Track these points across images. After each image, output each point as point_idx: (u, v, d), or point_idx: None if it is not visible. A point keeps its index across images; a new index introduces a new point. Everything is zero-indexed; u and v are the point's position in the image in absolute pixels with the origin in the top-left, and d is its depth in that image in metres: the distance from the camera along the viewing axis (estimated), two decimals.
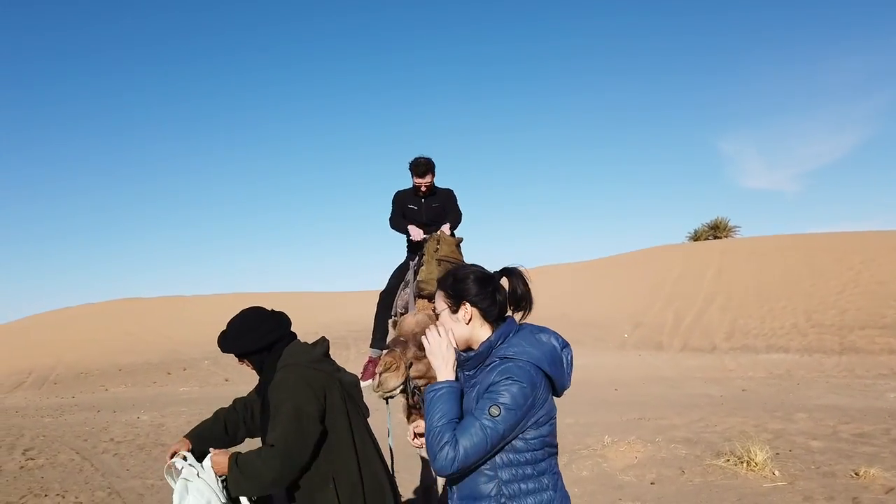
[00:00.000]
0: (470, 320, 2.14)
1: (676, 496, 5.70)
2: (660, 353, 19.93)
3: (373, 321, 5.27)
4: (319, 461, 2.56)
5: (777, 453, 6.76)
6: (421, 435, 2.38)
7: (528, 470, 2.01)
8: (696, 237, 41.89)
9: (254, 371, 2.77)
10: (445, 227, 5.03)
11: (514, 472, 2.00)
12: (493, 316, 2.16)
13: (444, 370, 2.07)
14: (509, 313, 2.21)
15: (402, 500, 3.30)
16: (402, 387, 3.54)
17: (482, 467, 2.00)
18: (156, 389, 18.75)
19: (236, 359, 2.78)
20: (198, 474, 2.56)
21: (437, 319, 2.20)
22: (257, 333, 2.67)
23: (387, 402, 3.63)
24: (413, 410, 3.98)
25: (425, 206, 5.37)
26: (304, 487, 2.58)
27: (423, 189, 5.29)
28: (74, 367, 23.41)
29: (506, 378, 1.97)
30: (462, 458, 1.91)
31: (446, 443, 1.91)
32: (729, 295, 24.82)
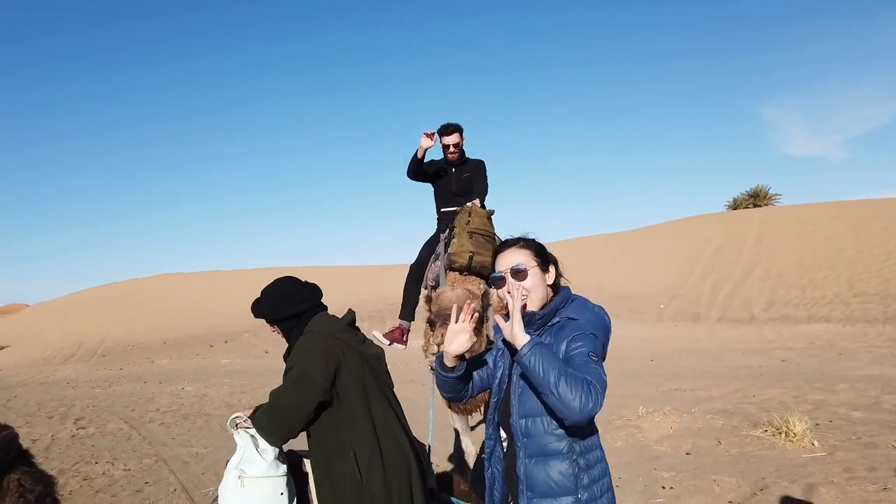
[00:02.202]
0: (552, 282, 2.27)
1: (713, 466, 5.67)
2: (697, 325, 19.68)
3: (402, 293, 5.31)
4: (336, 431, 2.63)
5: (817, 424, 6.65)
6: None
7: (591, 426, 2.11)
8: (736, 206, 40.95)
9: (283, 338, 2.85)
10: (476, 201, 5.00)
11: (584, 428, 2.07)
12: (558, 283, 2.31)
13: (522, 332, 2.04)
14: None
15: (438, 469, 3.35)
16: None
17: (553, 426, 2.04)
18: (199, 361, 19.31)
19: (268, 326, 2.85)
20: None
21: (517, 277, 2.19)
22: (288, 302, 2.74)
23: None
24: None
25: (455, 176, 5.34)
26: (322, 456, 2.66)
27: (451, 150, 5.22)
28: (121, 340, 24.22)
29: (580, 333, 2.06)
30: (601, 389, 1.91)
31: (584, 380, 1.89)
32: (769, 264, 24.28)
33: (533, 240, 2.32)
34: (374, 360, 2.75)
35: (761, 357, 13.53)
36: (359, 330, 2.88)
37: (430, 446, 3.36)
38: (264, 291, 2.81)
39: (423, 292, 4.33)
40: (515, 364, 2.17)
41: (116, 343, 23.93)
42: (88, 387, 13.93)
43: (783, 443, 6.16)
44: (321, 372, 2.55)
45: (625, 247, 31.75)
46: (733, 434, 6.65)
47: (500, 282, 2.24)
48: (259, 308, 2.81)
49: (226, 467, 2.76)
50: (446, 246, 4.80)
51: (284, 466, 2.72)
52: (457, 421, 4.75)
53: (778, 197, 40.88)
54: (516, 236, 2.36)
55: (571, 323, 2.13)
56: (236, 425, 2.75)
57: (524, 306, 2.17)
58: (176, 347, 22.19)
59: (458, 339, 2.16)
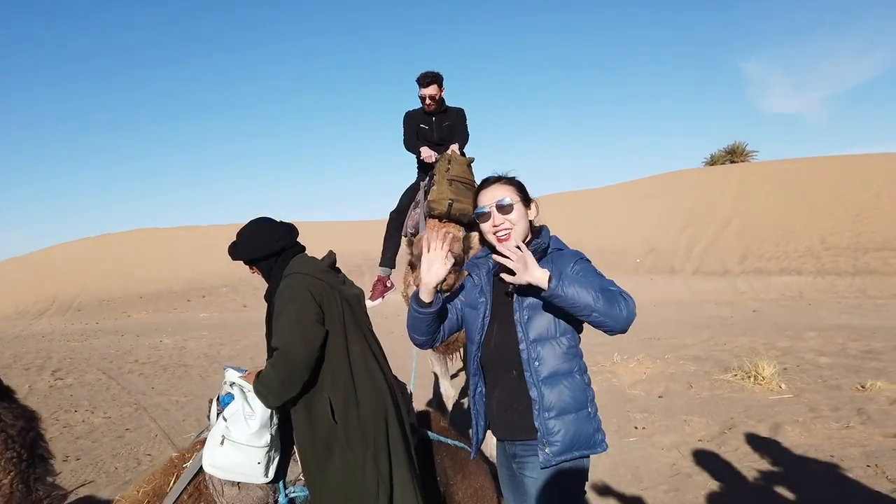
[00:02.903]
0: (534, 218, 2.33)
1: (684, 408, 5.85)
2: (672, 278, 20.00)
3: (382, 241, 5.31)
4: (314, 371, 2.64)
5: (784, 368, 6.87)
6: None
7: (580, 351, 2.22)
8: (713, 162, 41.19)
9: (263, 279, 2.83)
10: (455, 147, 4.97)
11: (579, 350, 2.21)
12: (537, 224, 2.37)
13: (539, 268, 2.05)
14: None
15: (418, 410, 3.40)
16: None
17: (565, 345, 2.15)
18: (177, 316, 19.23)
19: (248, 268, 2.83)
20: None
21: (502, 211, 2.25)
22: (266, 241, 2.73)
23: None
24: None
25: (436, 125, 5.30)
26: (301, 397, 2.67)
27: (428, 102, 5.17)
28: (97, 294, 23.99)
29: (578, 260, 2.18)
30: (633, 299, 2.06)
31: (619, 292, 2.05)
32: (745, 219, 24.62)
33: (514, 177, 2.35)
34: (353, 300, 2.75)
35: (734, 308, 13.85)
36: (339, 271, 2.87)
37: (412, 390, 3.41)
38: (240, 233, 2.79)
39: (404, 240, 4.33)
40: (514, 297, 2.21)
41: (92, 297, 23.69)
42: (64, 340, 13.83)
43: (752, 386, 6.37)
44: (314, 309, 2.55)
45: (604, 202, 31.91)
46: (704, 378, 6.84)
47: (484, 217, 2.25)
48: (237, 250, 2.78)
49: (217, 413, 2.77)
50: (426, 193, 4.79)
51: (268, 436, 2.69)
52: (436, 364, 4.82)
53: (755, 153, 41.18)
54: (498, 174, 2.37)
55: (564, 252, 2.24)
56: (231, 384, 2.76)
57: (507, 239, 2.21)
58: (153, 302, 22.04)
59: (434, 266, 2.22)
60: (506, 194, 2.26)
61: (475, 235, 4.15)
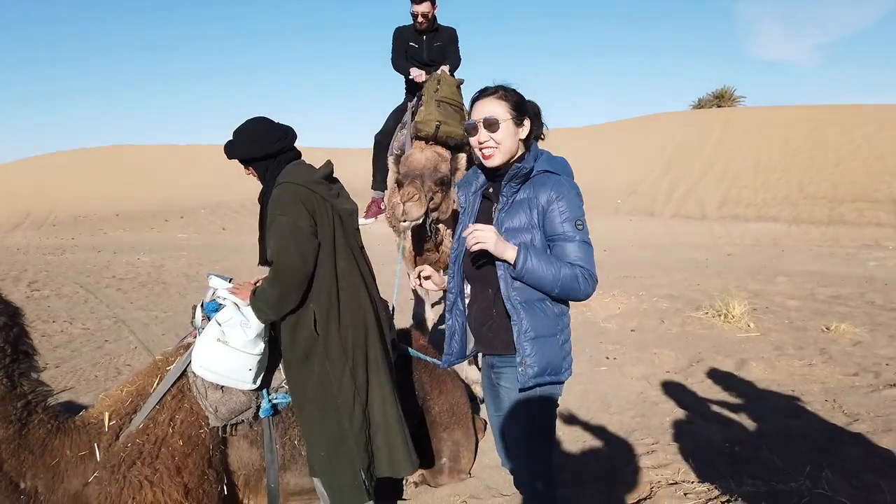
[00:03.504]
0: (525, 137, 2.26)
1: (655, 342, 6.03)
2: (651, 220, 20.20)
3: (371, 165, 5.26)
4: None
5: (754, 309, 7.06)
6: (427, 278, 2.48)
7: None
8: (700, 105, 41.02)
9: (257, 180, 2.80)
10: (445, 68, 4.87)
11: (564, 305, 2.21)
12: (533, 138, 2.31)
13: (509, 248, 2.11)
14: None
15: (399, 329, 3.47)
16: (423, 217, 3.67)
17: (546, 304, 2.16)
18: (154, 235, 19.05)
19: (242, 166, 2.80)
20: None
21: (489, 129, 2.19)
22: (263, 141, 2.68)
23: (402, 238, 3.75)
24: (427, 251, 4.10)
25: (426, 44, 5.17)
26: None
27: (420, 20, 5.04)
28: (72, 210, 23.63)
29: (563, 190, 2.13)
30: (592, 271, 2.11)
31: (576, 276, 2.08)
32: (726, 165, 24.76)
33: (514, 91, 2.26)
34: (346, 215, 2.74)
35: (709, 251, 14.08)
36: (336, 181, 2.84)
37: (393, 306, 3.45)
38: (236, 132, 2.73)
39: (390, 158, 4.30)
40: (497, 221, 2.21)
41: (66, 213, 23.34)
42: (40, 253, 13.68)
43: (721, 324, 6.56)
44: (306, 219, 2.54)
45: (588, 141, 31.76)
46: (676, 315, 7.03)
47: (472, 130, 2.23)
48: (233, 147, 2.73)
49: (202, 318, 2.79)
50: (413, 114, 4.72)
51: (262, 345, 2.73)
52: (419, 288, 4.88)
53: (743, 99, 41.04)
54: (497, 84, 2.29)
55: (551, 177, 2.18)
56: (224, 298, 2.78)
57: (491, 157, 2.21)
58: (130, 220, 21.80)
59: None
60: (495, 110, 2.21)
61: (462, 157, 4.14)
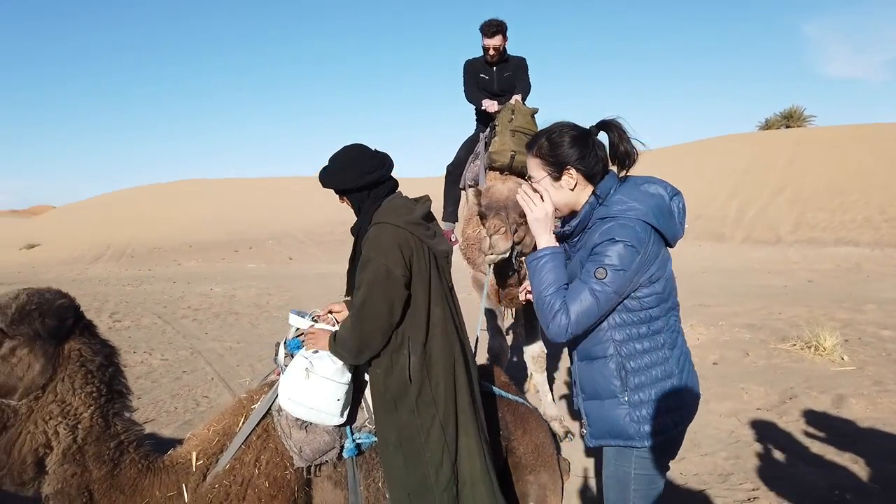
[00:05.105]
0: (575, 185, 2.03)
1: (740, 376, 5.72)
2: (720, 245, 19.53)
3: (442, 196, 5.24)
4: (400, 327, 2.59)
5: (846, 340, 6.63)
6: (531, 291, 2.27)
7: (643, 329, 1.96)
8: (768, 126, 39.73)
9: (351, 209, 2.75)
10: (518, 97, 4.83)
11: (628, 331, 1.96)
12: (598, 176, 2.04)
13: (545, 236, 2.00)
14: (611, 168, 2.08)
15: (479, 364, 3.37)
16: (510, 252, 3.60)
17: (597, 329, 1.98)
18: (224, 265, 19.64)
19: (337, 196, 2.75)
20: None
21: (536, 189, 2.06)
22: (358, 170, 2.60)
23: (487, 272, 3.69)
24: (509, 286, 4.04)
25: (497, 75, 5.15)
26: (385, 349, 2.63)
27: (491, 53, 5.04)
28: (148, 242, 24.65)
29: (609, 239, 1.88)
30: (574, 324, 1.89)
31: (558, 311, 1.90)
32: (799, 187, 23.77)
33: (545, 141, 2.03)
34: (442, 257, 2.66)
35: (786, 277, 13.44)
36: (433, 219, 2.78)
37: (477, 339, 3.38)
38: (332, 159, 2.68)
39: (470, 191, 4.23)
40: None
41: (143, 245, 24.37)
42: (120, 284, 14.26)
43: (812, 356, 6.18)
44: (401, 266, 2.46)
45: (652, 165, 30.87)
46: (761, 347, 6.67)
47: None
48: (327, 177, 2.67)
49: (285, 356, 2.78)
50: (487, 145, 4.68)
51: (349, 375, 2.69)
52: (492, 319, 4.79)
53: (812, 119, 39.54)
54: (535, 134, 2.11)
55: (604, 226, 1.92)
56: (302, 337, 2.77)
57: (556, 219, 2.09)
58: (201, 251, 22.56)
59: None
60: (532, 169, 2.08)
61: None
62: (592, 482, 3.85)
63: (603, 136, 2.06)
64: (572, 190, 2.03)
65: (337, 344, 2.57)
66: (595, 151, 2.02)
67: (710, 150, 31.90)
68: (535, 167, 2.06)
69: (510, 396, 3.37)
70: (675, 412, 1.98)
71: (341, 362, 2.61)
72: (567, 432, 4.46)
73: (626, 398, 1.96)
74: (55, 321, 2.23)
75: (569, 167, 2.01)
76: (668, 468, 2.11)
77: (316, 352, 2.65)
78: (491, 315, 4.72)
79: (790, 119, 39.70)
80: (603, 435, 1.99)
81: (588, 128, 2.04)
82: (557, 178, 2.03)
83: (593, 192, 2.03)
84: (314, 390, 2.63)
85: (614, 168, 2.08)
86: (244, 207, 31.22)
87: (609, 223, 1.92)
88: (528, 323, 4.69)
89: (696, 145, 34.66)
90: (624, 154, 2.02)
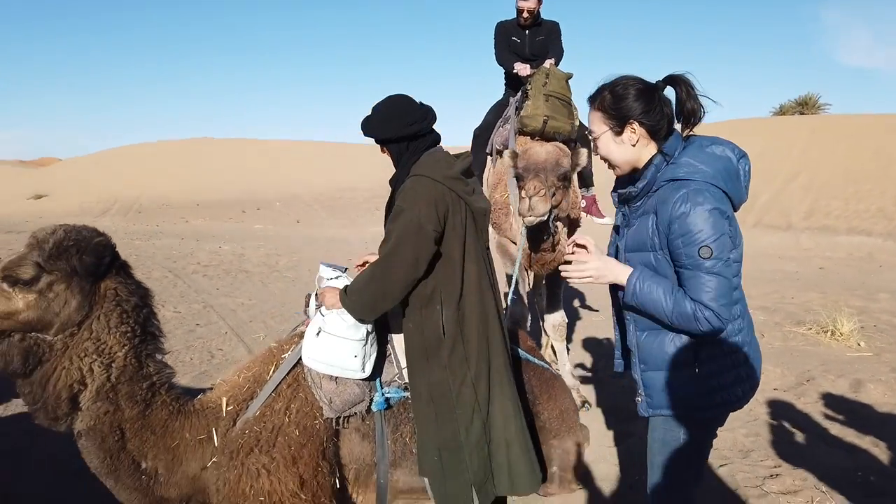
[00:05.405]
0: (637, 141, 1.94)
1: None
2: None
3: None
4: (431, 281, 2.54)
5: (861, 327, 6.59)
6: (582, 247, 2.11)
7: None
8: (782, 112, 39.23)
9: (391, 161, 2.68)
10: (552, 61, 4.71)
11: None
12: (663, 133, 1.94)
13: (619, 269, 1.90)
14: (675, 127, 1.98)
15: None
16: (548, 214, 3.54)
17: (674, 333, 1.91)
18: (232, 225, 19.60)
19: (378, 146, 2.68)
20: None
21: (594, 143, 2.00)
22: (400, 121, 2.54)
23: (521, 237, 3.65)
24: (543, 251, 3.98)
25: (529, 39, 5.03)
26: (414, 304, 2.58)
27: (525, 15, 4.91)
28: (156, 199, 24.61)
29: (687, 211, 1.77)
30: (719, 309, 1.76)
31: (693, 311, 1.77)
32: (813, 174, 23.51)
33: (611, 90, 1.93)
34: (479, 214, 2.61)
35: (798, 263, 13.37)
36: (472, 176, 2.71)
37: (507, 307, 3.34)
38: (375, 108, 2.63)
39: (506, 153, 4.12)
40: (622, 236, 2.01)
41: (151, 201, 24.32)
42: (129, 238, 14.23)
43: (828, 341, 6.14)
44: (433, 221, 2.40)
45: None
46: (776, 329, 6.64)
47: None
48: (369, 126, 2.61)
49: (315, 307, 2.74)
50: (517, 109, 4.58)
51: (365, 329, 2.61)
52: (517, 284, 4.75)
53: (828, 107, 39.00)
54: (605, 81, 1.99)
55: (677, 188, 1.82)
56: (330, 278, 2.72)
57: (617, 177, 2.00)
58: (209, 209, 22.52)
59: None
60: (593, 123, 1.99)
61: (584, 152, 3.97)
62: (607, 451, 3.85)
63: (669, 93, 1.97)
64: (634, 146, 1.95)
65: (350, 296, 2.51)
66: (661, 107, 1.93)
67: (724, 133, 31.12)
68: (597, 121, 1.98)
69: (537, 361, 3.35)
70: (744, 383, 1.92)
71: (352, 319, 2.55)
72: (584, 402, 4.45)
73: (697, 370, 1.88)
74: (93, 258, 2.20)
75: (632, 121, 1.92)
76: (716, 436, 2.07)
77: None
78: (520, 279, 4.68)
79: (805, 106, 39.14)
80: (663, 406, 1.93)
81: (655, 82, 1.95)
82: (619, 133, 1.95)
83: (659, 151, 1.94)
84: (330, 349, 2.60)
85: (678, 127, 1.99)
86: (253, 168, 31.06)
87: (680, 190, 1.81)
88: (551, 291, 4.65)
89: (710, 128, 34.20)
90: (690, 111, 1.92)
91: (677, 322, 1.81)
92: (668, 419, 1.96)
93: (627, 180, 2.05)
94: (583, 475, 3.35)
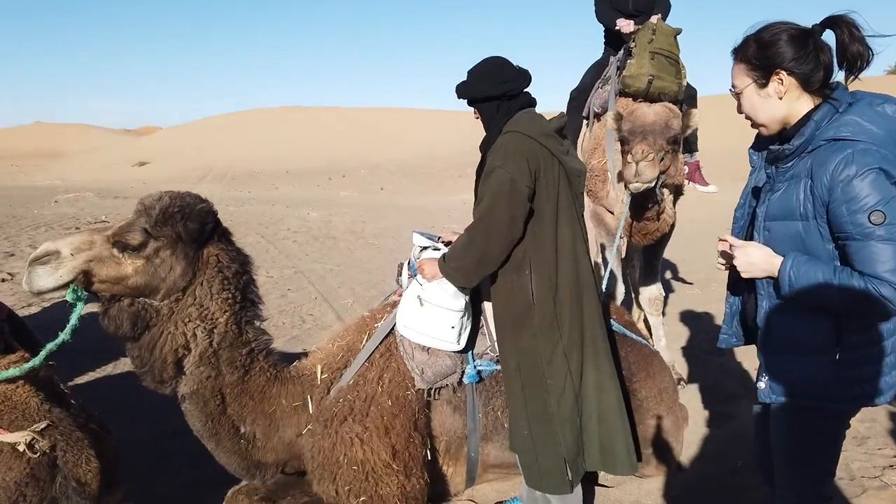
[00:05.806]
0: (785, 93, 1.69)
1: None
2: None
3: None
4: (521, 243, 2.43)
5: None
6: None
7: None
8: None
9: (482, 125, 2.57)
10: (658, 16, 4.40)
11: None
12: (817, 83, 1.68)
13: (774, 260, 1.67)
14: (836, 78, 1.71)
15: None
16: (655, 181, 3.35)
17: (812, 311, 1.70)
18: (319, 192, 20.07)
19: (471, 110, 2.58)
20: None
21: (738, 97, 1.78)
22: (491, 81, 2.44)
23: (625, 204, 3.48)
24: (647, 219, 3.78)
25: None
26: (505, 268, 2.48)
27: None
28: (248, 166, 25.52)
29: (851, 167, 1.54)
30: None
31: (867, 288, 1.54)
32: None
33: (753, 42, 1.71)
34: (574, 175, 2.47)
35: None
36: (566, 138, 2.58)
37: (606, 276, 3.19)
38: (470, 71, 2.53)
39: (610, 114, 3.88)
40: (763, 201, 1.78)
41: (243, 169, 25.25)
42: (223, 204, 14.80)
43: None
44: (526, 177, 2.29)
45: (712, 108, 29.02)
46: None
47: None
48: (464, 86, 2.53)
49: (409, 277, 2.69)
50: (619, 69, 4.32)
51: (463, 302, 2.54)
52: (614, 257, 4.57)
53: None
54: (742, 38, 1.76)
55: (839, 147, 1.58)
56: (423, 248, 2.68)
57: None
58: (297, 177, 23.13)
59: None
60: (736, 77, 1.76)
61: (695, 112, 3.71)
62: (705, 433, 3.66)
63: (828, 37, 1.69)
64: (781, 99, 1.70)
65: (448, 262, 2.44)
66: (816, 53, 1.66)
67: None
68: (739, 74, 1.75)
69: (634, 337, 3.20)
70: (890, 374, 1.69)
71: (453, 288, 2.50)
72: (679, 379, 4.25)
73: (838, 356, 1.66)
74: (197, 224, 2.22)
75: (779, 70, 1.67)
76: (849, 426, 1.87)
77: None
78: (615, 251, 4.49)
79: None
80: (789, 393, 1.74)
81: (811, 26, 1.69)
82: (764, 85, 1.70)
83: (826, 100, 1.67)
84: (428, 318, 2.55)
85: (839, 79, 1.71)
86: (339, 136, 31.62)
87: (845, 150, 1.57)
88: (647, 263, 4.43)
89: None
90: (855, 55, 1.64)
91: (847, 307, 1.59)
92: (799, 408, 1.77)
93: (769, 138, 1.82)
94: (681, 457, 3.19)
